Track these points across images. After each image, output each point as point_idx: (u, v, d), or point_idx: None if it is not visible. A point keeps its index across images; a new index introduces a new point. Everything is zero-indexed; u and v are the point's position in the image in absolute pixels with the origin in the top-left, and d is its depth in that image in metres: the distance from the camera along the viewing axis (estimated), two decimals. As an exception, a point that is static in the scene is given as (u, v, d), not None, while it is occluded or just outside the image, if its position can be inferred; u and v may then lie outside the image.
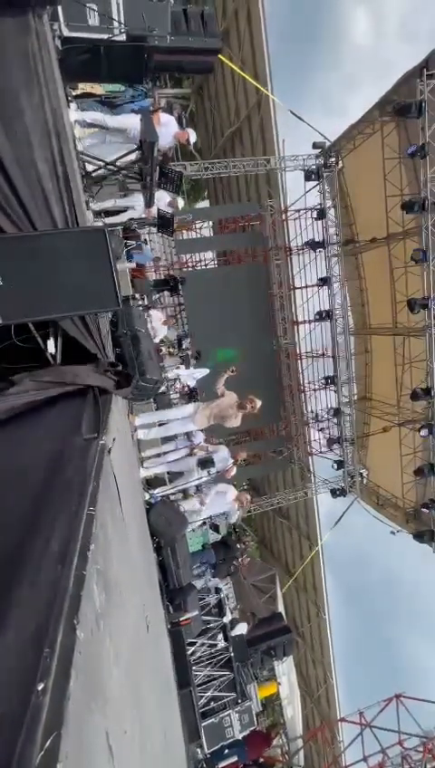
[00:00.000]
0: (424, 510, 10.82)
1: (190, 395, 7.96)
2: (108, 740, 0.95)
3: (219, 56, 7.20)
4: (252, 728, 8.50)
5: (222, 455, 5.93)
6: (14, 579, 0.96)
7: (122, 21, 3.65)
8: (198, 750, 7.20)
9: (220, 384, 5.32)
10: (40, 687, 0.72)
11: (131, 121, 4.67)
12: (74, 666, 0.81)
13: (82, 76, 4.27)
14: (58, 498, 1.38)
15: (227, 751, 8.50)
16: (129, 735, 1.21)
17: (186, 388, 7.51)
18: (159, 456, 6.03)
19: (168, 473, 6.22)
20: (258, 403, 5.21)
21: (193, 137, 5.26)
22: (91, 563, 1.08)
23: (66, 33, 3.48)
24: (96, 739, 0.88)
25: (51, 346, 2.89)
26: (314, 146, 10.94)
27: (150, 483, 6.04)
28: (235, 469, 6.08)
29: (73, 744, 0.73)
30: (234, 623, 8.39)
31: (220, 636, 8.28)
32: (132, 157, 4.61)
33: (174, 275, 11.56)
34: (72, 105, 4.54)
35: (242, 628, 8.54)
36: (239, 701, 8.32)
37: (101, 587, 1.18)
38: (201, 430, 5.99)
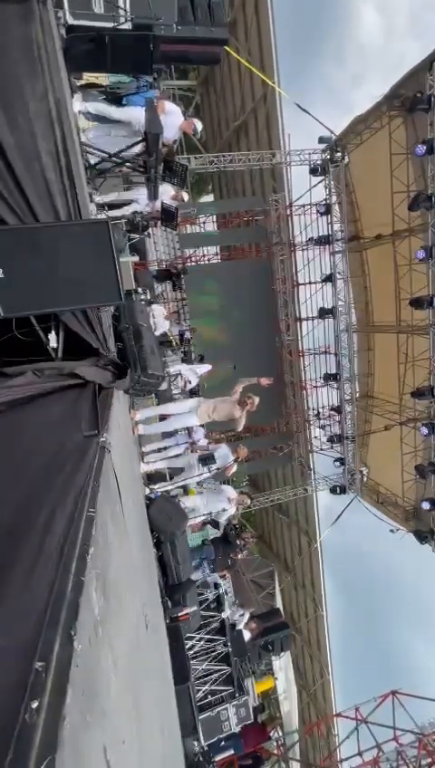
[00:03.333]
0: (424, 508, 10.80)
1: (192, 391, 7.93)
2: (105, 755, 0.90)
3: (226, 47, 7.08)
4: (248, 722, 8.56)
5: (223, 452, 5.90)
6: (4, 582, 0.91)
7: (128, 9, 3.56)
8: (195, 743, 7.24)
9: (240, 386, 5.24)
10: (34, 706, 0.68)
11: (137, 114, 4.59)
12: (71, 681, 0.76)
13: (87, 66, 4.18)
14: (56, 497, 1.34)
15: (223, 743, 8.58)
16: (127, 745, 1.17)
17: (187, 384, 7.48)
18: (159, 450, 6.01)
19: (168, 468, 6.20)
20: (256, 400, 5.21)
21: (199, 125, 5.18)
22: (90, 568, 1.04)
23: (71, 20, 3.40)
24: (93, 758, 0.83)
25: (52, 339, 2.86)
26: (321, 140, 10.83)
27: (151, 477, 6.02)
28: (235, 466, 6.05)
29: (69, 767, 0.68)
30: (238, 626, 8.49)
31: (218, 631, 8.32)
32: (137, 149, 4.55)
33: (176, 266, 11.48)
34: (77, 95, 4.46)
35: (245, 635, 8.63)
36: (236, 695, 8.36)
37: (100, 591, 1.14)
38: (201, 425, 5.95)
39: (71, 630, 0.84)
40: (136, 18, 3.58)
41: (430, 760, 9.11)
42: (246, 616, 8.69)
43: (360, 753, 9.88)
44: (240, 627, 8.48)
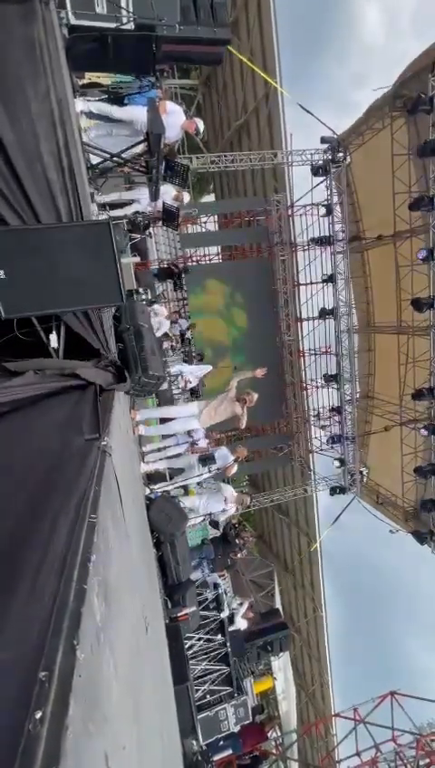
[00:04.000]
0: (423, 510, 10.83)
1: (192, 392, 7.94)
2: (107, 762, 0.90)
3: (228, 47, 7.05)
4: (247, 722, 8.57)
5: (223, 452, 5.91)
6: (6, 593, 0.90)
7: (130, 9, 3.56)
8: (194, 743, 7.25)
9: (235, 381, 5.25)
10: (37, 716, 0.67)
11: (138, 113, 4.58)
12: (74, 690, 0.76)
13: (89, 66, 4.17)
14: (57, 503, 1.34)
15: (222, 743, 8.58)
16: (127, 750, 1.17)
17: (187, 384, 7.49)
18: (159, 450, 6.01)
19: (168, 469, 6.20)
20: (254, 396, 5.23)
21: (201, 125, 5.17)
22: (92, 575, 1.04)
23: (73, 20, 3.40)
24: (95, 765, 0.83)
25: (53, 340, 2.85)
26: (322, 140, 10.80)
27: (151, 477, 6.02)
28: (235, 467, 6.05)
29: (72, 776, 0.67)
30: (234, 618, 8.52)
31: (218, 631, 8.33)
32: (138, 149, 4.54)
33: (177, 265, 11.46)
34: (79, 95, 4.46)
35: (242, 624, 8.66)
36: (235, 695, 8.37)
37: (102, 598, 1.14)
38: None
39: (73, 640, 0.84)
40: (138, 18, 3.57)
41: (428, 760, 9.12)
42: (245, 605, 8.76)
43: (358, 754, 9.88)
44: (239, 616, 8.54)
